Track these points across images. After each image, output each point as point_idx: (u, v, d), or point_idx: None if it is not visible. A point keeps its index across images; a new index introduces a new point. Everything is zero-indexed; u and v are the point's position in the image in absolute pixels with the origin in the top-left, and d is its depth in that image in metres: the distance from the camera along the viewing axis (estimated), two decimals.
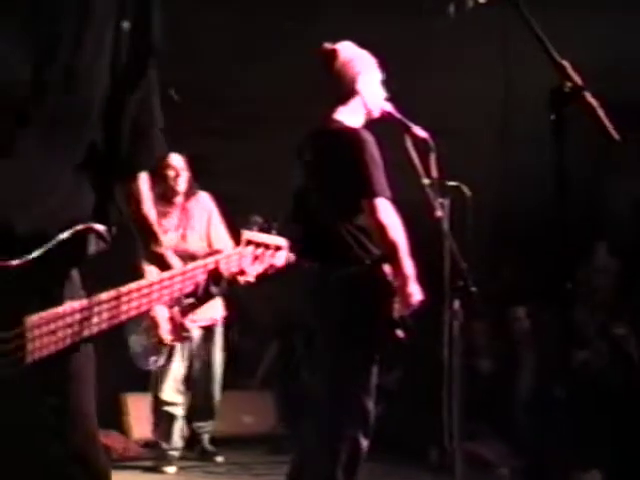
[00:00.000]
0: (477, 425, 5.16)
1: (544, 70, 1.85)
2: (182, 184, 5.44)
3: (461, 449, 3.56)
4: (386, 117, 3.62)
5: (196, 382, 5.59)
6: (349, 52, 3.60)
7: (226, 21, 6.11)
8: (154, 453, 5.59)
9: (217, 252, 1.98)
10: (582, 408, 4.86)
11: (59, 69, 1.71)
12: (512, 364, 5.83)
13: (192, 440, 5.73)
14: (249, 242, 2.05)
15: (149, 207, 2.00)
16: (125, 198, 1.96)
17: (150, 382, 5.48)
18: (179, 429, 5.49)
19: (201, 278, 1.90)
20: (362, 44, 3.61)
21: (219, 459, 5.67)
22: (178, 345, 5.35)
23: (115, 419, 6.08)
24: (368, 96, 3.58)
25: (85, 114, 1.76)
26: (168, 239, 5.32)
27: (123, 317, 1.74)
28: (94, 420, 1.81)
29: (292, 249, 2.14)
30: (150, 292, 1.79)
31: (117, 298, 1.74)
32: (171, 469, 5.41)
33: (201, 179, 5.65)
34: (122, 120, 1.84)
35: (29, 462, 1.71)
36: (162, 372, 5.36)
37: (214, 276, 1.92)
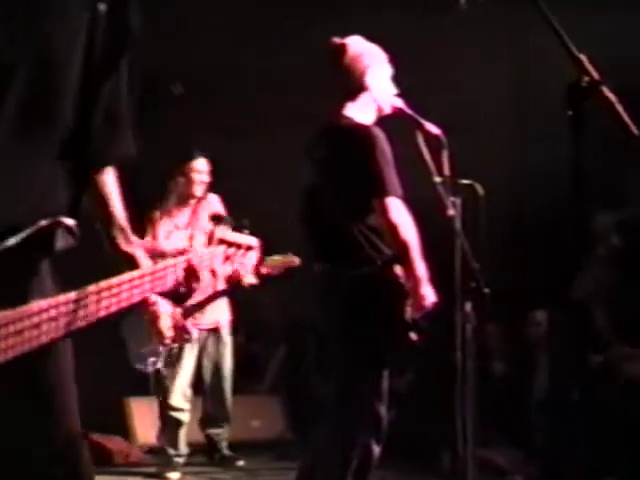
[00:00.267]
0: (490, 430, 5.15)
1: (560, 65, 1.84)
2: (201, 189, 5.56)
3: (474, 455, 3.55)
4: (397, 113, 3.61)
5: (208, 388, 5.65)
6: (359, 46, 3.58)
7: (226, 21, 6.13)
8: (158, 459, 5.61)
9: (187, 251, 1.97)
10: (599, 414, 4.85)
11: (30, 52, 1.67)
12: (526, 367, 5.81)
13: (208, 447, 5.78)
14: (221, 241, 2.04)
15: (117, 204, 1.97)
16: (92, 194, 1.92)
17: (156, 386, 5.51)
18: (185, 435, 5.53)
19: (173, 277, 1.89)
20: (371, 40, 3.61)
21: (240, 463, 5.71)
22: (187, 350, 5.39)
23: (118, 423, 6.10)
24: (378, 91, 3.57)
25: (58, 99, 1.72)
26: (176, 237, 5.37)
27: (92, 317, 1.71)
28: (77, 420, 1.79)
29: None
30: (120, 291, 1.76)
31: (87, 297, 1.69)
32: (175, 475, 5.43)
33: None
34: (95, 110, 1.80)
35: (11, 462, 1.70)
36: (171, 377, 5.41)
37: (188, 275, 1.92)
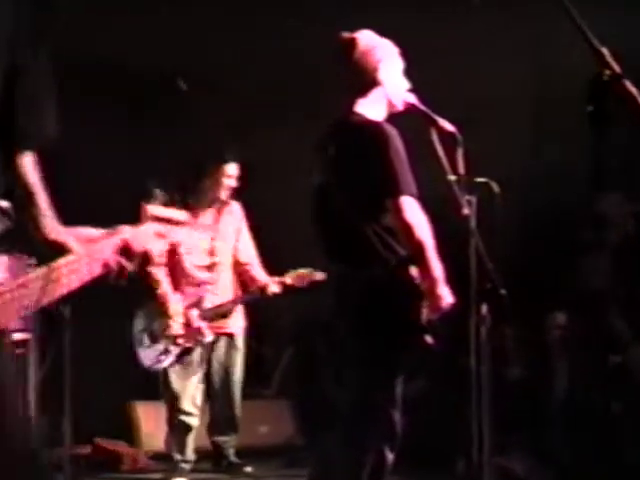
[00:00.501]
0: (506, 436, 5.13)
1: (580, 63, 1.83)
2: (227, 194, 5.60)
3: (489, 462, 3.54)
4: (410, 109, 3.59)
5: (216, 395, 5.65)
6: (370, 40, 3.55)
7: (226, 21, 6.14)
8: (164, 465, 5.61)
9: (119, 230, 1.99)
10: (617, 420, 4.83)
11: None
12: (544, 371, 5.79)
13: (215, 453, 5.76)
14: (154, 218, 2.07)
15: (40, 192, 1.94)
16: (15, 180, 1.92)
17: (165, 391, 5.52)
18: (192, 441, 5.53)
19: (111, 257, 1.91)
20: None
21: (248, 469, 5.69)
22: (197, 355, 5.40)
23: (122, 428, 6.10)
24: (390, 87, 3.55)
25: None
26: (196, 238, 5.35)
27: (30, 307, 1.74)
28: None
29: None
30: (58, 277, 1.78)
31: (25, 284, 1.73)
32: None
33: None
34: (17, 91, 1.81)
35: None
36: (182, 382, 5.44)
37: (125, 252, 1.95)
